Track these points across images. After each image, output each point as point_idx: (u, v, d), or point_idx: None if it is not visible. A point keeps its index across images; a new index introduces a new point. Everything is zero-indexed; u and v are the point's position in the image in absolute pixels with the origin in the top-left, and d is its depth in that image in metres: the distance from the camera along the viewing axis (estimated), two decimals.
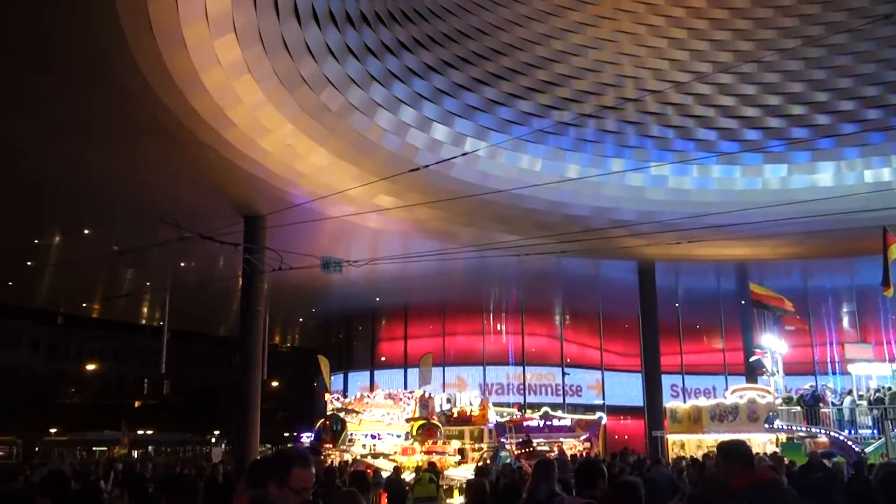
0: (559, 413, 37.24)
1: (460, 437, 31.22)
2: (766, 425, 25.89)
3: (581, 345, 44.48)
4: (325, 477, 14.88)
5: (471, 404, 32.04)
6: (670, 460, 25.83)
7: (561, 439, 35.05)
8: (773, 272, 33.32)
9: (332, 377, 40.60)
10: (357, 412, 29.96)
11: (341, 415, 27.59)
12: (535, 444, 28.24)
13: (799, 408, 25.15)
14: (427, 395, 31.49)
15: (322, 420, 26.79)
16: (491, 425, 32.91)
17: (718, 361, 44.25)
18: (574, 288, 37.72)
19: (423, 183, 22.91)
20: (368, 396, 31.43)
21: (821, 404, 25.28)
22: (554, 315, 43.83)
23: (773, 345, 27.85)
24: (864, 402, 25.03)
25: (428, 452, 24.69)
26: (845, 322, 41.81)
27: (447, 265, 29.39)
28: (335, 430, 25.42)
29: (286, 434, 49.37)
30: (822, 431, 24.31)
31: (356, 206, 23.60)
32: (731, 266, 33.42)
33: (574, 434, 35.07)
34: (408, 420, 27.90)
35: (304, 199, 22.25)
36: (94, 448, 44.09)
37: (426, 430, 25.84)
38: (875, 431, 24.18)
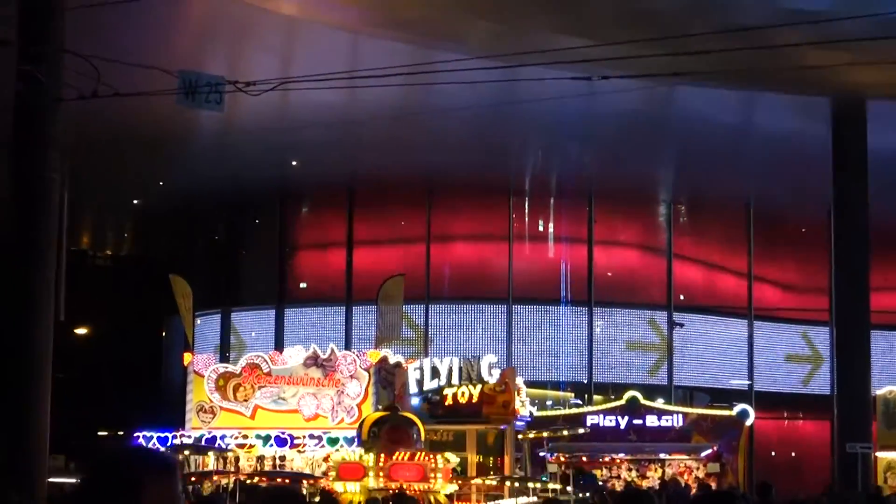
0: (660, 403, 38.18)
1: (457, 445, 31.93)
2: None
3: (708, 266, 45.21)
4: None
5: (480, 381, 32.28)
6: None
7: (663, 456, 35.92)
8: None
9: (199, 319, 41.09)
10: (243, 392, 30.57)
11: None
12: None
13: None
14: (394, 362, 31.74)
15: None
16: (521, 423, 33.88)
17: None
18: (697, 152, 38.12)
19: None
20: (272, 361, 32.28)
21: None
22: (655, 206, 44.53)
23: None
24: None
25: (393, 475, 25.39)
26: None
27: (440, 97, 29.19)
28: None
29: (104, 432, 50.45)
30: None
31: None
32: None
33: (689, 447, 36.13)
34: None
35: None
36: None
37: (392, 431, 26.47)
38: None
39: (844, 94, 32.56)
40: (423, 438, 27.42)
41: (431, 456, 26.16)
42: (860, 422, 33.47)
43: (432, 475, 25.60)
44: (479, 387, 32.27)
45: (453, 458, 26.94)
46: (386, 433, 26.52)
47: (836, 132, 34.12)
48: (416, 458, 25.84)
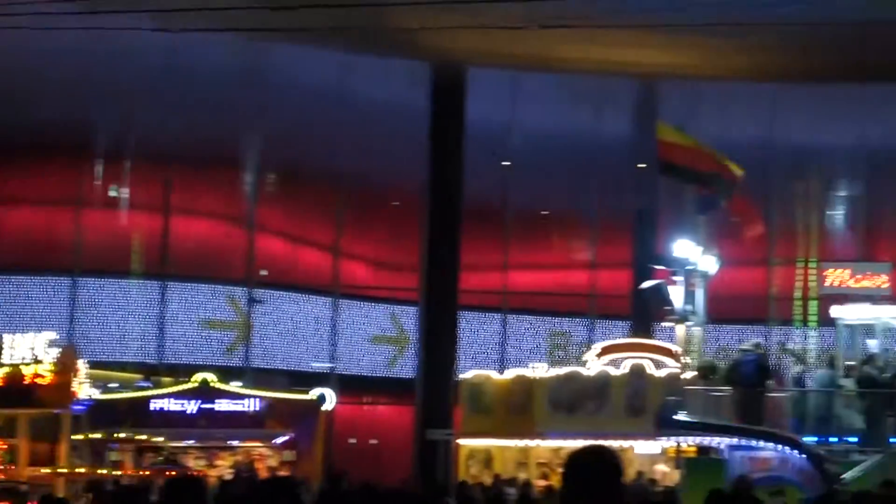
0: (236, 386, 38.42)
1: (8, 431, 32.56)
2: (660, 424, 27.87)
3: (293, 240, 45.92)
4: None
5: (34, 360, 32.17)
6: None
7: (235, 443, 36.46)
8: (699, 103, 35.78)
9: None
10: None
11: None
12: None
13: (730, 388, 26.95)
14: None
15: None
16: (81, 407, 33.71)
17: (578, 283, 46.67)
18: (289, 117, 39.04)
19: None
20: None
21: (770, 381, 27.52)
22: (240, 173, 44.17)
23: (691, 256, 28.99)
24: (852, 381, 27.51)
25: None
26: (836, 220, 44.95)
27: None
28: None
29: None
30: (767, 438, 26.21)
31: None
32: (623, 85, 35.83)
33: (262, 434, 36.64)
34: None
35: None
36: None
37: None
38: (863, 439, 26.82)
39: (445, 60, 33.58)
40: None
41: None
42: (442, 407, 35.19)
43: None
44: (32, 367, 31.67)
45: None
46: None
47: (436, 102, 35.41)
48: None
